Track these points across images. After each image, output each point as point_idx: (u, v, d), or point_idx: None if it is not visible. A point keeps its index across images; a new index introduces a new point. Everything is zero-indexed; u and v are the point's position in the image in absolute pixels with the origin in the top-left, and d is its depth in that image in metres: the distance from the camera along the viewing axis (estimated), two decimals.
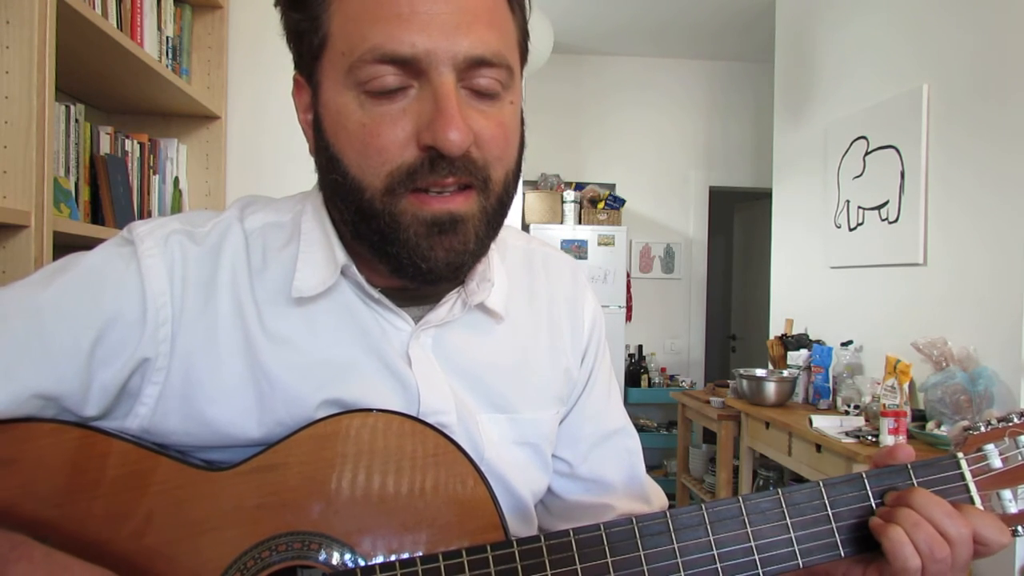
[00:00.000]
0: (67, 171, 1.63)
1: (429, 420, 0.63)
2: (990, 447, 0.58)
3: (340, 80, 0.56)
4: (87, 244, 0.64)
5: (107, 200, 1.79)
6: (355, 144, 0.56)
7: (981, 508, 0.57)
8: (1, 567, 0.50)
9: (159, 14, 2.00)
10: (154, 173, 2.08)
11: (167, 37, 2.06)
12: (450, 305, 0.67)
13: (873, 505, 0.57)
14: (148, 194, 2.04)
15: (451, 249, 0.58)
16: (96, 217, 1.78)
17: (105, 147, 1.84)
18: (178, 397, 0.60)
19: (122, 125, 2.08)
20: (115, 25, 1.74)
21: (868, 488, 0.57)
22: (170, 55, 2.08)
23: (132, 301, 0.60)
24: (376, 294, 0.64)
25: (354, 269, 0.63)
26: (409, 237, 0.57)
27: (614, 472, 0.77)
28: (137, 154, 1.99)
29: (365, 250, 0.62)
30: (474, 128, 0.56)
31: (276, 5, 0.61)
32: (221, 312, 0.62)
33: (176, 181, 2.19)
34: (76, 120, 1.66)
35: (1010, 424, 0.58)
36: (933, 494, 0.55)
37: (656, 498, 0.79)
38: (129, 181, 1.91)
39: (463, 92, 0.56)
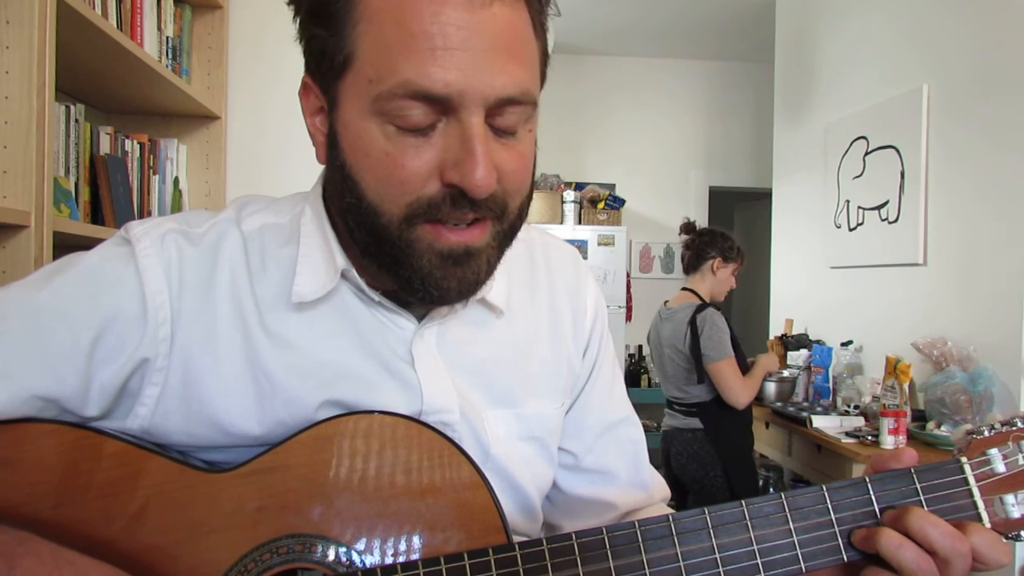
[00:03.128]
0: (67, 171, 1.63)
1: (432, 419, 0.62)
2: (993, 451, 0.57)
3: (364, 106, 0.55)
4: (87, 244, 0.64)
5: (107, 200, 1.78)
6: (376, 171, 0.55)
7: (984, 526, 0.56)
8: (8, 562, 0.50)
9: (159, 14, 2.00)
10: (154, 173, 2.08)
11: (167, 37, 2.06)
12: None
13: (877, 510, 0.57)
14: (148, 194, 2.04)
15: (463, 279, 0.59)
16: (96, 217, 1.78)
17: (105, 147, 1.84)
18: (178, 397, 0.60)
19: (122, 125, 2.08)
20: (115, 25, 1.74)
21: (871, 492, 0.57)
22: (170, 55, 2.07)
23: (131, 300, 0.59)
24: (376, 297, 0.64)
25: (354, 273, 0.63)
26: (423, 265, 0.57)
27: (618, 462, 0.77)
28: (137, 154, 1.99)
29: (374, 267, 0.61)
30: (496, 164, 0.55)
31: (295, 13, 0.59)
32: (220, 313, 0.61)
33: (176, 181, 2.19)
34: (76, 120, 1.66)
35: (1014, 428, 0.58)
36: (930, 515, 0.54)
37: (656, 488, 0.79)
38: (129, 181, 1.91)
39: (487, 129, 0.55)
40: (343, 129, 0.57)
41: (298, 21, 0.59)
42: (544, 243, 0.77)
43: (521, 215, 0.61)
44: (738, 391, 2.59)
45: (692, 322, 2.63)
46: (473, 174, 0.53)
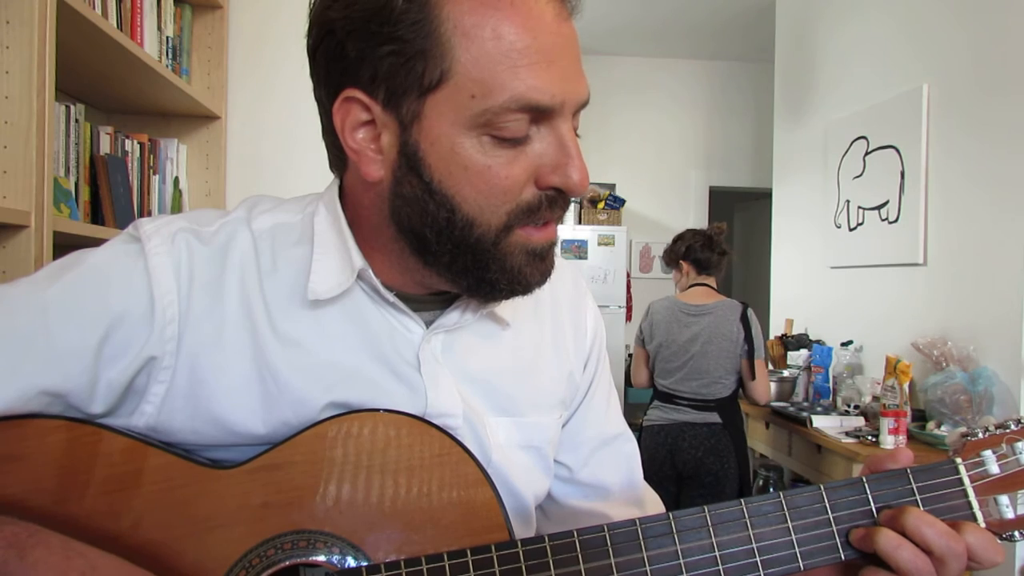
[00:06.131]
0: (67, 171, 1.63)
1: (436, 422, 0.63)
2: (988, 453, 0.58)
3: (461, 120, 0.55)
4: (87, 244, 0.64)
5: (107, 200, 1.79)
6: (477, 184, 0.57)
7: (979, 525, 0.57)
8: (20, 552, 0.50)
9: (159, 14, 2.00)
10: (154, 173, 2.08)
11: (167, 37, 2.06)
12: (460, 311, 0.67)
13: (874, 509, 0.57)
14: (148, 194, 2.04)
15: (545, 272, 0.63)
16: (96, 217, 1.78)
17: (105, 147, 1.84)
18: (184, 396, 0.60)
19: (122, 125, 2.08)
20: (115, 25, 1.74)
21: (868, 492, 0.57)
22: (170, 55, 2.08)
23: (139, 299, 0.60)
24: (391, 297, 0.64)
25: (370, 272, 0.63)
26: (513, 266, 0.60)
27: (613, 476, 0.78)
28: (137, 154, 1.99)
29: (448, 275, 0.62)
30: None
31: (346, 20, 0.56)
32: (228, 312, 0.62)
33: (176, 181, 2.19)
34: (76, 120, 1.66)
35: (1007, 430, 0.58)
36: (926, 514, 0.55)
37: (651, 504, 0.80)
38: (129, 181, 1.91)
39: None
40: (430, 145, 0.57)
41: (344, 34, 0.56)
42: None
43: None
44: (766, 388, 2.78)
45: (744, 319, 2.71)
46: (575, 175, 0.58)
